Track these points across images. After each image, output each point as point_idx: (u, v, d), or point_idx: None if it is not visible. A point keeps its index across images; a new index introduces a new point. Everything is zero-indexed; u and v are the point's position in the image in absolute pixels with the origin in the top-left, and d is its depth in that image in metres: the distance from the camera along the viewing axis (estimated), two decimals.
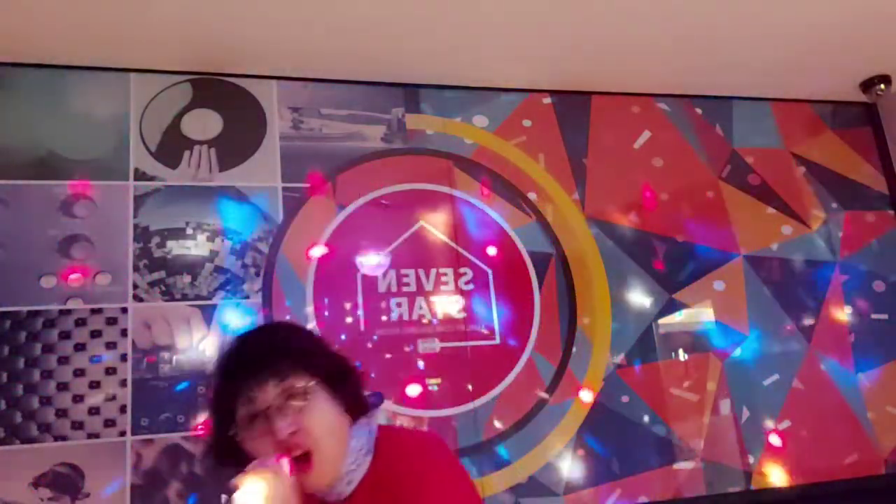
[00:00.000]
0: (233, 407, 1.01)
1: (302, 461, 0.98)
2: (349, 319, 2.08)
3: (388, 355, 2.08)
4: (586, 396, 2.19)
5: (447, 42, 2.16)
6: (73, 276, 1.90)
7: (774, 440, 2.30)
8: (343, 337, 2.06)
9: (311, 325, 2.04)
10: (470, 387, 2.11)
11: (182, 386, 1.90)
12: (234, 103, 2.18)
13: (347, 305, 2.09)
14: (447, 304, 2.17)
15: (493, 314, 2.20)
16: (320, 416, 1.01)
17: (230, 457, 1.03)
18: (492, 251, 2.25)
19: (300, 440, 0.98)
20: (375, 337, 2.09)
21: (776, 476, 2.27)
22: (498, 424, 2.10)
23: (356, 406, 1.07)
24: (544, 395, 2.15)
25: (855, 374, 2.46)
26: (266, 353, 1.03)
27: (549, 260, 2.30)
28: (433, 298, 2.17)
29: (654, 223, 2.43)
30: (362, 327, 2.09)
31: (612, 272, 2.33)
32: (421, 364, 2.10)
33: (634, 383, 2.24)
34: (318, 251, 2.11)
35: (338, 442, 1.02)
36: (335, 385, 1.05)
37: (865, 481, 2.34)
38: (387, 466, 1.03)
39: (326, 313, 2.07)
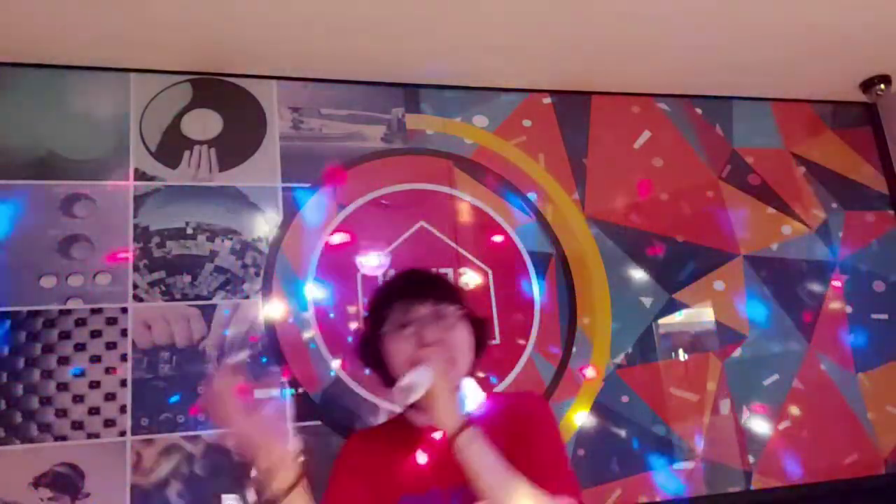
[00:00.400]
0: (388, 313, 1.23)
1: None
2: (350, 319, 2.08)
3: None
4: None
5: (447, 42, 2.16)
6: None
7: (776, 440, 2.31)
8: (349, 339, 2.06)
9: (312, 325, 2.04)
10: None
11: (182, 386, 1.90)
12: (234, 103, 2.18)
13: (347, 305, 2.09)
14: None
15: (494, 314, 2.20)
16: (461, 338, 1.23)
17: (371, 356, 1.27)
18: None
19: (442, 351, 1.17)
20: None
21: (776, 476, 2.27)
22: None
23: (478, 355, 1.27)
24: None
25: (855, 374, 2.47)
26: (429, 279, 1.31)
27: (549, 260, 2.30)
28: None
29: (654, 223, 2.43)
30: (362, 327, 2.08)
31: (612, 272, 2.33)
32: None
33: (634, 383, 2.25)
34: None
35: (466, 367, 1.22)
36: (474, 326, 1.26)
37: (865, 481, 2.34)
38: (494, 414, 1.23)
39: (327, 314, 2.07)
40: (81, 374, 1.85)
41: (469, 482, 1.07)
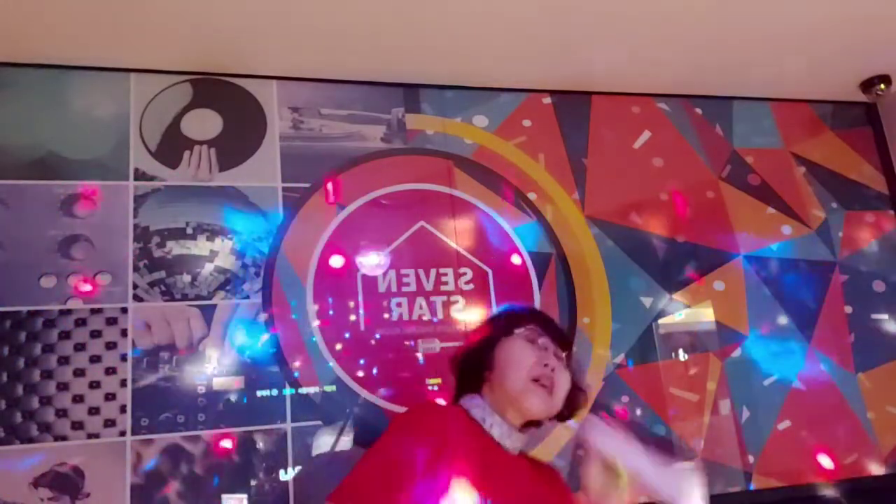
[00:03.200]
0: (523, 325, 1.37)
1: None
2: (350, 319, 2.08)
3: (388, 355, 2.08)
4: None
5: (447, 42, 2.16)
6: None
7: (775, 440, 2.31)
8: (346, 335, 2.06)
9: (313, 325, 2.04)
10: None
11: (182, 386, 1.90)
12: (234, 103, 2.18)
13: (348, 305, 2.09)
14: (447, 304, 2.17)
15: (489, 317, 2.19)
16: (566, 376, 1.36)
17: (480, 358, 1.37)
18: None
19: (553, 378, 1.32)
20: (376, 337, 2.09)
21: (776, 476, 2.27)
22: None
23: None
24: None
25: (855, 374, 2.47)
26: (555, 323, 1.46)
27: (549, 260, 2.30)
28: (433, 298, 2.17)
29: (654, 223, 2.43)
30: (363, 327, 2.09)
31: (612, 272, 2.33)
32: (421, 364, 2.10)
33: (634, 383, 2.25)
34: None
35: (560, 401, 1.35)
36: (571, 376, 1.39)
37: (865, 481, 2.34)
38: (531, 458, 1.42)
39: (327, 313, 2.07)
40: (81, 374, 1.85)
41: None
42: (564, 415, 1.39)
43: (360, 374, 2.04)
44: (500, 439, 1.32)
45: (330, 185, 2.18)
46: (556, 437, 2.09)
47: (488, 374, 1.35)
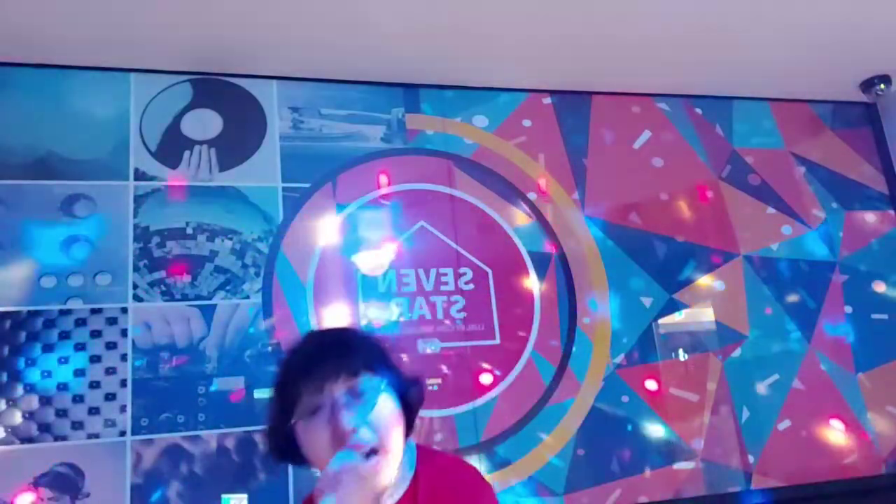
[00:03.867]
0: (297, 397, 1.00)
1: (369, 457, 0.95)
2: (350, 319, 2.08)
3: None
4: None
5: (447, 42, 2.16)
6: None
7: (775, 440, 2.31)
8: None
9: (313, 325, 2.04)
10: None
11: (182, 386, 1.90)
12: (234, 103, 2.18)
13: (348, 305, 2.09)
14: (447, 304, 2.17)
15: (493, 314, 2.20)
16: (387, 416, 1.00)
17: (285, 449, 1.03)
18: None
19: (365, 436, 0.96)
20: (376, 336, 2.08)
21: (776, 476, 2.27)
22: (498, 424, 2.10)
23: (411, 420, 1.06)
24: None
25: (855, 374, 2.47)
26: (339, 349, 1.04)
27: (550, 260, 2.30)
28: (433, 298, 2.17)
29: (654, 223, 2.43)
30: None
31: (612, 272, 2.33)
32: (421, 364, 2.10)
33: (634, 383, 2.24)
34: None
35: (399, 447, 1.01)
36: (400, 394, 1.04)
37: (865, 481, 2.34)
38: (428, 489, 1.04)
39: (327, 313, 2.07)
40: (81, 374, 1.85)
41: None
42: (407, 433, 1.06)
43: None
44: None
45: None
46: None
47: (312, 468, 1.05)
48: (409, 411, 1.06)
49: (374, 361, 1.04)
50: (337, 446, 0.96)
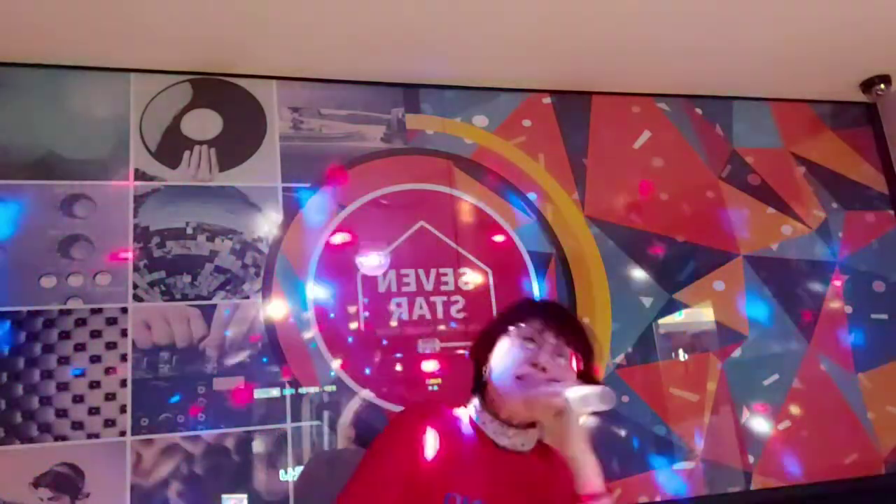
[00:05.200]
0: (525, 319, 1.33)
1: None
2: (350, 319, 2.08)
3: (388, 355, 2.08)
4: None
5: (447, 42, 2.16)
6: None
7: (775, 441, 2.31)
8: (346, 336, 2.06)
9: (313, 325, 2.04)
10: None
11: (182, 386, 1.90)
12: (234, 103, 2.18)
13: (348, 305, 2.09)
14: (447, 304, 2.17)
15: (493, 314, 2.20)
16: (571, 375, 1.29)
17: (482, 347, 1.36)
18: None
19: (553, 374, 1.26)
20: (376, 337, 2.09)
21: (776, 476, 2.27)
22: None
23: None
24: None
25: (855, 374, 2.47)
26: (578, 329, 1.35)
27: (550, 260, 2.30)
28: (433, 298, 2.17)
29: (654, 223, 2.43)
30: (362, 327, 2.09)
31: (612, 272, 2.34)
32: (421, 364, 2.10)
33: (634, 383, 2.25)
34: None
35: (562, 407, 1.23)
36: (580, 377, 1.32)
37: (865, 481, 2.34)
38: (547, 454, 1.36)
39: (327, 313, 2.07)
40: (81, 374, 1.85)
41: None
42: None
43: (360, 374, 2.04)
44: (494, 437, 1.30)
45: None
46: None
47: (486, 371, 1.36)
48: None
49: (588, 360, 1.35)
50: (522, 368, 1.26)
